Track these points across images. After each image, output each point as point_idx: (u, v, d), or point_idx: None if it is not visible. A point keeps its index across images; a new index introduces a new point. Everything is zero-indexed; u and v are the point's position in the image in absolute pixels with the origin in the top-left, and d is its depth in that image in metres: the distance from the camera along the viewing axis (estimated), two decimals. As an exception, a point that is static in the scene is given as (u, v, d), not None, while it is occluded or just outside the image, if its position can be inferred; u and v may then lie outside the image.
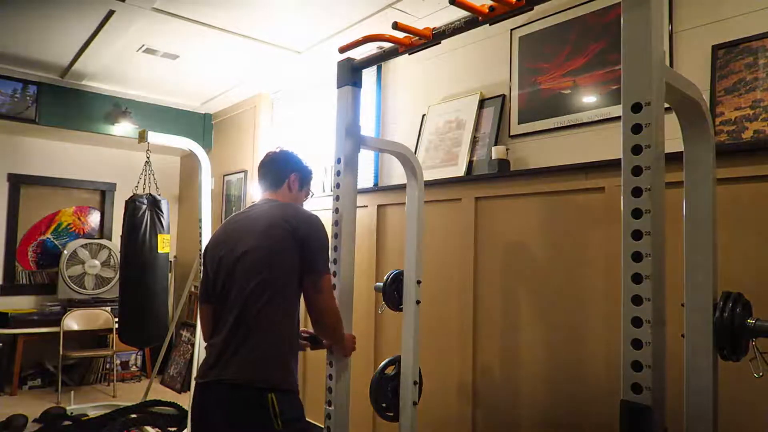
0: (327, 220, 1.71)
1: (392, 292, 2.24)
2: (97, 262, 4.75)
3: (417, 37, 1.72)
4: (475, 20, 1.57)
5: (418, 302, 2.10)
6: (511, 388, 2.33)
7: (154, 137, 3.68)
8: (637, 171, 1.04)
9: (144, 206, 3.56)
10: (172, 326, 4.33)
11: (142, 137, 3.67)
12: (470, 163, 2.63)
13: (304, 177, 1.87)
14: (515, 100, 2.51)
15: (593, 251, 2.10)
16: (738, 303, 1.25)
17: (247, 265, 1.59)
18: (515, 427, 2.30)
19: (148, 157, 3.73)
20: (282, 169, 1.83)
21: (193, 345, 4.00)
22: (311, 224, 1.65)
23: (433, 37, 1.69)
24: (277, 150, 1.89)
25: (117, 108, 4.48)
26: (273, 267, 1.58)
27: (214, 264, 1.69)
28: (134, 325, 3.58)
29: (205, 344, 1.70)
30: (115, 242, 4.83)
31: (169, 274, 4.02)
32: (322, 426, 1.83)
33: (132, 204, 3.56)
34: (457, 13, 1.63)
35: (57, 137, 4.73)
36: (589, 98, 2.24)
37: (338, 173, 1.92)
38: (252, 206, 1.80)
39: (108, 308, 4.68)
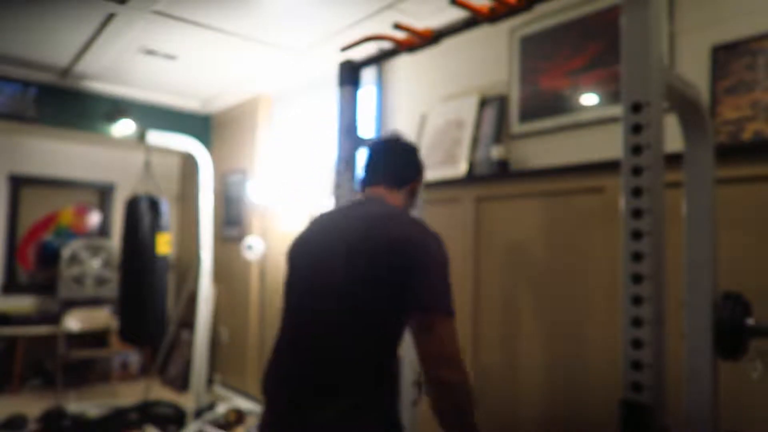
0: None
1: (392, 292, 2.23)
2: (97, 262, 4.75)
3: (417, 37, 1.72)
4: (475, 20, 1.57)
5: (418, 302, 2.09)
6: (511, 387, 2.33)
7: (154, 137, 3.69)
8: (637, 171, 1.04)
9: (144, 206, 3.56)
10: (172, 326, 4.33)
11: (142, 137, 3.68)
12: (470, 163, 2.63)
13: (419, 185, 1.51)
14: (515, 100, 2.51)
15: (593, 251, 2.10)
16: (738, 303, 1.25)
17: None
18: (515, 427, 2.30)
19: (148, 157, 3.73)
20: (410, 168, 1.48)
21: (192, 345, 4.00)
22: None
23: (433, 37, 1.70)
24: (406, 140, 1.52)
25: (117, 108, 4.48)
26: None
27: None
28: (134, 324, 3.58)
29: None
30: (115, 242, 4.83)
31: (169, 274, 4.02)
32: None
33: (132, 204, 3.56)
34: (457, 13, 1.63)
35: (57, 137, 4.73)
36: (589, 98, 2.24)
37: (338, 173, 1.92)
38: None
39: (108, 308, 4.68)
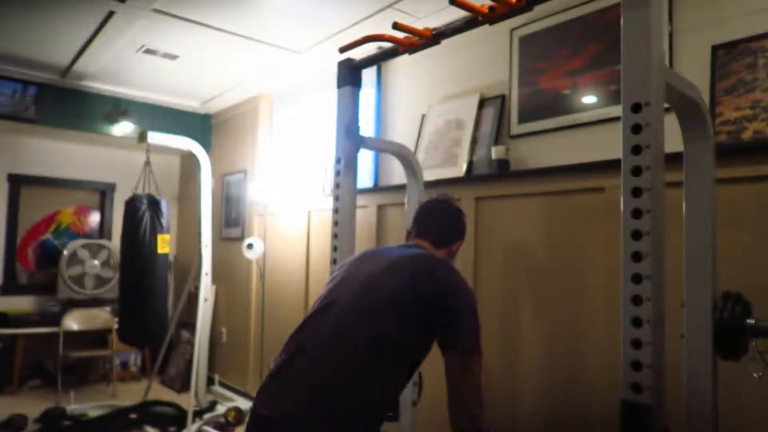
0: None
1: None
2: (97, 262, 4.75)
3: (417, 37, 1.72)
4: (475, 20, 1.57)
5: (418, 302, 2.09)
6: (511, 387, 2.33)
7: (154, 137, 3.69)
8: (637, 171, 1.04)
9: (144, 206, 3.56)
10: (172, 326, 4.33)
11: (142, 137, 3.67)
12: (470, 163, 2.63)
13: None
14: (515, 100, 2.51)
15: (593, 251, 2.10)
16: (738, 303, 1.25)
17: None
18: (515, 427, 2.30)
19: (147, 158, 3.73)
20: (456, 231, 1.69)
21: (192, 345, 4.00)
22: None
23: (433, 37, 1.70)
24: (456, 206, 1.75)
25: (117, 108, 4.47)
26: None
27: None
28: (134, 324, 3.58)
29: None
30: (115, 242, 4.82)
31: (169, 274, 4.02)
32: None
33: (132, 204, 3.56)
34: (457, 13, 1.63)
35: (57, 137, 4.73)
36: (589, 98, 2.24)
37: (338, 173, 1.92)
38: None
39: (108, 308, 4.68)
